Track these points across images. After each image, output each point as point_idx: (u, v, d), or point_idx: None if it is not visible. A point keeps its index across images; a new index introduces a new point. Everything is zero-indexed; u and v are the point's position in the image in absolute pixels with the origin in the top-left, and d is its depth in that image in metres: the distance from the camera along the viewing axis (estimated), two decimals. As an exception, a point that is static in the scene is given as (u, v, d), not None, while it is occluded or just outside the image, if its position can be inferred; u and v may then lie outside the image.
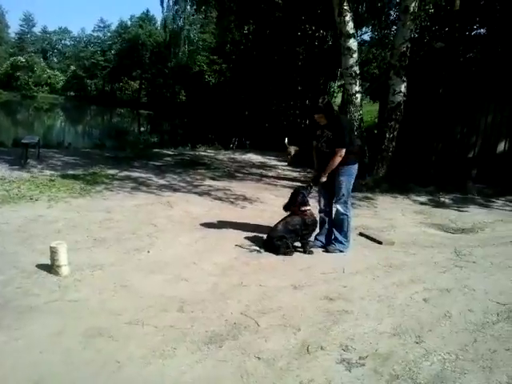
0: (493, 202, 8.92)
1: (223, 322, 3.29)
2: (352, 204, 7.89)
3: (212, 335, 3.10)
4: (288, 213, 5.14)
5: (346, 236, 5.19)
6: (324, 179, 5.03)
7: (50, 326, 3.08)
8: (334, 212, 5.32)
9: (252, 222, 6.12)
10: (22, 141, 9.87)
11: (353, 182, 5.14)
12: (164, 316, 3.33)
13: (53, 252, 3.87)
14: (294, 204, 5.06)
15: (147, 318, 3.27)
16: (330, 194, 5.24)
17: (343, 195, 5.08)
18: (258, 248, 4.99)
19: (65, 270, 3.92)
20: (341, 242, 5.16)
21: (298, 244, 5.08)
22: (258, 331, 3.19)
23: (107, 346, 2.90)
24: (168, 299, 3.61)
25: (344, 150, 4.91)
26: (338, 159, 4.92)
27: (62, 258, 3.89)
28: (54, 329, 3.05)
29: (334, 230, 5.21)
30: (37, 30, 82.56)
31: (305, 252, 5.00)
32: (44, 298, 3.49)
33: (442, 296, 4.00)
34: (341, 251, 5.13)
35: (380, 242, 5.60)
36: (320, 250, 5.20)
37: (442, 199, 8.84)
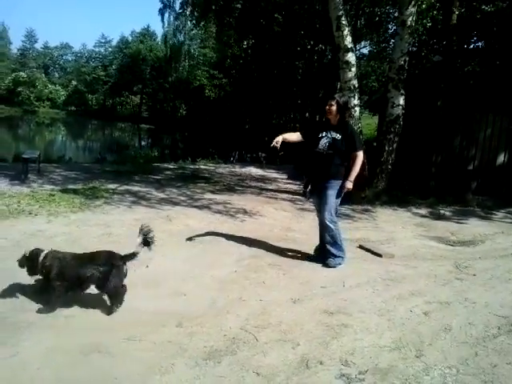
0: (493, 214, 8.92)
1: (222, 337, 3.26)
2: (352, 217, 7.97)
3: (211, 350, 3.07)
4: None
5: (340, 248, 5.09)
6: (350, 186, 4.90)
7: (47, 342, 3.05)
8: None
9: (252, 236, 6.11)
10: (23, 156, 9.91)
11: (341, 196, 5.03)
12: (162, 331, 3.31)
13: (51, 267, 3.84)
14: None
15: (145, 333, 3.25)
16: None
17: (331, 209, 4.98)
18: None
19: (63, 285, 3.88)
20: (337, 256, 5.07)
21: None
22: (257, 346, 3.17)
23: (105, 363, 2.87)
24: (166, 314, 3.58)
25: (362, 153, 4.90)
26: (360, 162, 4.88)
27: (60, 273, 3.86)
28: (51, 345, 3.02)
29: (328, 246, 5.08)
30: (38, 45, 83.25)
31: None
32: (41, 313, 3.46)
33: (443, 309, 3.98)
34: (340, 264, 5.05)
35: (380, 255, 5.58)
36: (319, 264, 5.14)
37: (442, 211, 8.84)
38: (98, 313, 3.55)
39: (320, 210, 5.18)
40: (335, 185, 4.94)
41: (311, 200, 5.43)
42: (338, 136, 4.92)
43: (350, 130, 5.02)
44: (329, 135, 4.97)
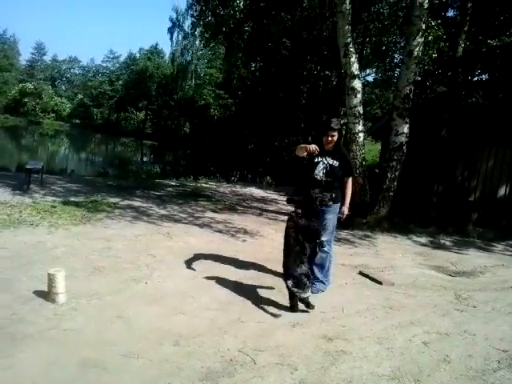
0: (493, 245, 8.90)
1: (219, 358, 3.23)
2: (353, 242, 7.96)
3: (208, 371, 3.04)
4: None
5: (326, 275, 5.02)
6: (346, 211, 4.93)
7: (44, 355, 3.03)
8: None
9: (252, 257, 6.09)
10: (26, 166, 9.92)
11: (338, 220, 5.02)
12: (160, 349, 3.28)
13: (50, 279, 3.84)
14: None
15: (142, 350, 3.22)
16: None
17: (330, 232, 4.95)
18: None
19: (62, 298, 3.87)
20: (322, 282, 4.99)
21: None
22: (255, 369, 3.13)
23: (101, 378, 2.84)
24: (164, 332, 3.56)
25: (351, 178, 4.99)
26: (351, 186, 4.96)
27: (60, 286, 3.86)
28: (48, 358, 3.00)
29: (315, 268, 4.95)
30: (47, 58, 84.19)
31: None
32: (39, 325, 3.44)
33: (442, 340, 3.94)
34: (322, 291, 4.95)
35: (380, 283, 5.55)
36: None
37: (443, 241, 8.82)
38: (97, 327, 3.53)
39: None
40: (334, 208, 4.93)
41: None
42: (336, 163, 4.85)
43: (345, 156, 5.03)
44: (324, 161, 4.87)
